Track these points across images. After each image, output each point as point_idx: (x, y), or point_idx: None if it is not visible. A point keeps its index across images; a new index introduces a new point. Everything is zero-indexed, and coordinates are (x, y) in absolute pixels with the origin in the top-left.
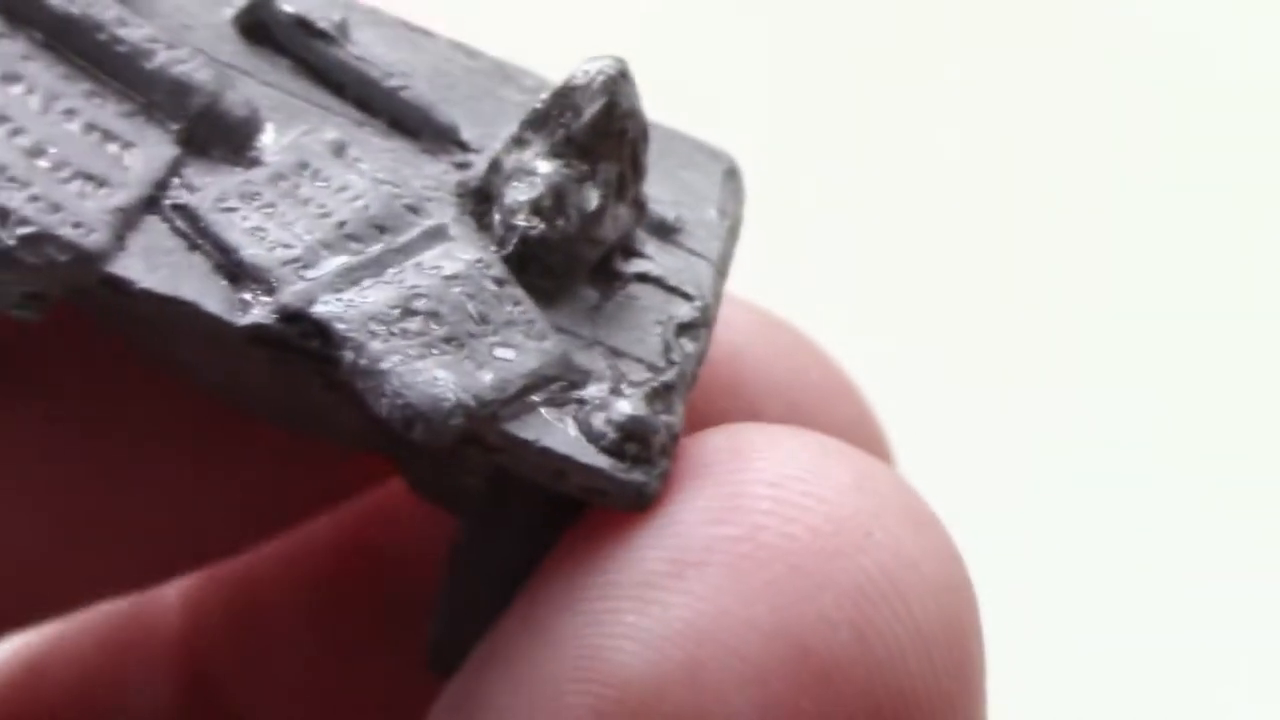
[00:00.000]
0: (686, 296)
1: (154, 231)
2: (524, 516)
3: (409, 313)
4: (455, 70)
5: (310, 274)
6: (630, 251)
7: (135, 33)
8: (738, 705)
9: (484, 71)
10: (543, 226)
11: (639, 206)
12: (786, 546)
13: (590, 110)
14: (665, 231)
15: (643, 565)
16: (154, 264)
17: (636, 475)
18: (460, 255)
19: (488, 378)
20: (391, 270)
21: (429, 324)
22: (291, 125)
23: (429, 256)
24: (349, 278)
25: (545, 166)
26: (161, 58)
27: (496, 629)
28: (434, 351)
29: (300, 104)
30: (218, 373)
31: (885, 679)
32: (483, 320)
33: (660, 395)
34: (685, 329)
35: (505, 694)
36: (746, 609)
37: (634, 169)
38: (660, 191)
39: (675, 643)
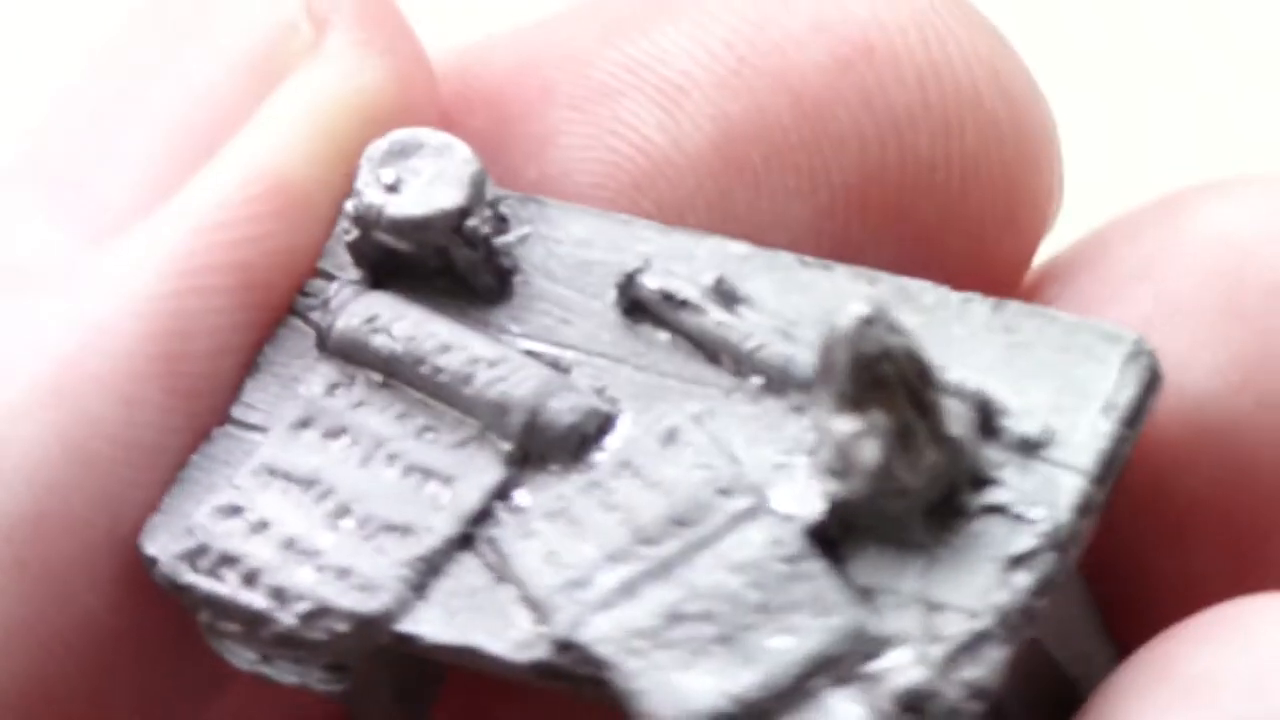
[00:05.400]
0: (1029, 522)
1: (465, 570)
2: None
3: (677, 619)
4: None
5: (583, 595)
6: (981, 480)
7: (456, 358)
8: None
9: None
10: (839, 488)
11: (949, 446)
12: None
13: (841, 365)
14: (1030, 448)
15: None
16: (452, 609)
17: None
18: (755, 538)
19: (750, 676)
20: (679, 568)
21: (700, 627)
22: (650, 410)
23: (728, 544)
24: (627, 590)
25: (833, 425)
26: (480, 379)
27: None
28: (700, 657)
29: (670, 383)
30: None
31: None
32: (761, 609)
33: (967, 649)
34: (1020, 561)
35: None
36: None
37: (921, 411)
38: (1036, 398)
39: None
